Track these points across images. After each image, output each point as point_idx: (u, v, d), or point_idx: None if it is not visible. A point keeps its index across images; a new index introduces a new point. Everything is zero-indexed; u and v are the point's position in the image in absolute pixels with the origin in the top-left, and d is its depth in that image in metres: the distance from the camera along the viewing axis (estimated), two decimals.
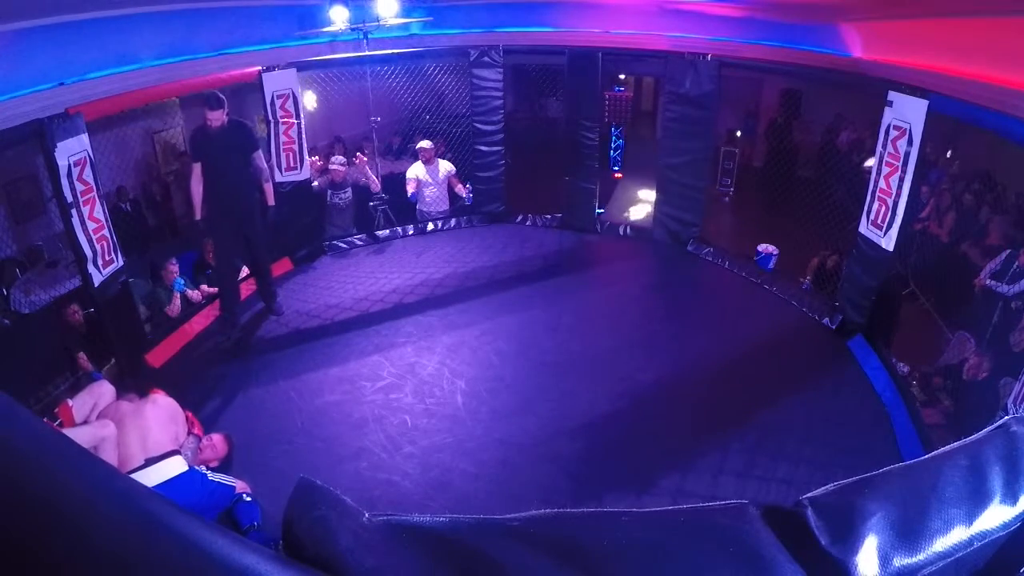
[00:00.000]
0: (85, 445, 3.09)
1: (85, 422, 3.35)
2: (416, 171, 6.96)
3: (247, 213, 5.00)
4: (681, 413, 4.32)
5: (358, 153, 6.97)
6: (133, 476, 3.10)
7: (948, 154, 7.07)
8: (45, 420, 3.17)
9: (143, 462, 3.22)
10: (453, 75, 7.01)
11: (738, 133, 9.25)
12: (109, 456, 3.24)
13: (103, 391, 3.53)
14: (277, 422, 4.19)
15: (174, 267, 5.37)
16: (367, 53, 6.31)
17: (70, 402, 3.39)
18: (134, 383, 3.93)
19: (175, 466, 3.26)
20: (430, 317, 5.47)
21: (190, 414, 3.85)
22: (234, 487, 3.35)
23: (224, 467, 3.75)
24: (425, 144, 6.84)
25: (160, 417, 3.45)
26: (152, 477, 3.15)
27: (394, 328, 5.30)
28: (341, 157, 6.85)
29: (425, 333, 5.22)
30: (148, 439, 3.30)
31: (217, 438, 3.81)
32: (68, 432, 3.15)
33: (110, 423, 3.31)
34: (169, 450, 3.32)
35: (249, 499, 3.32)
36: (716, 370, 4.76)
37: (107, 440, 3.24)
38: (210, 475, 3.36)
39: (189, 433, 3.71)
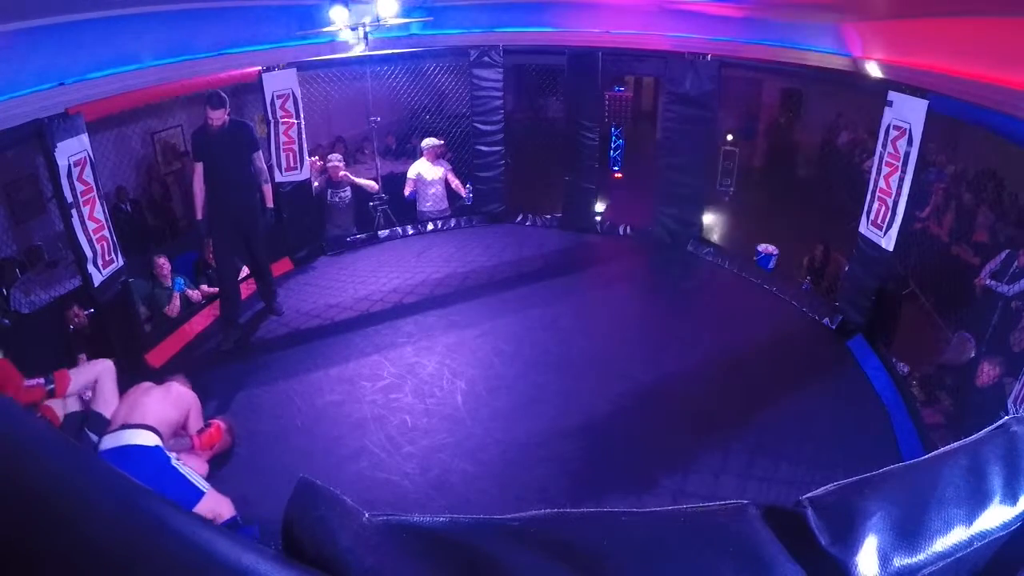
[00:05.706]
0: (86, 382, 3.35)
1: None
2: (415, 170, 6.96)
3: (247, 213, 5.01)
4: (681, 413, 4.32)
5: (342, 166, 6.84)
6: (105, 437, 3.22)
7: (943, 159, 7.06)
8: (39, 414, 3.21)
9: (119, 426, 3.24)
10: (453, 75, 7.00)
11: (729, 136, 9.16)
12: (108, 388, 3.43)
13: (105, 367, 3.55)
14: (277, 422, 4.19)
15: (163, 262, 5.31)
16: (367, 53, 6.31)
17: (70, 372, 3.47)
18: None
19: (142, 438, 3.17)
20: (430, 317, 5.46)
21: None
22: (203, 493, 3.11)
23: (222, 461, 3.76)
24: (432, 141, 6.83)
25: (163, 399, 3.44)
26: (116, 440, 3.16)
27: (394, 328, 5.30)
28: (339, 155, 6.84)
29: (425, 333, 5.22)
30: (136, 409, 3.29)
31: (215, 425, 3.74)
32: (73, 372, 3.40)
33: (106, 360, 3.50)
34: (149, 424, 3.24)
35: (242, 524, 3.14)
36: (716, 370, 4.75)
37: (104, 373, 3.43)
38: (179, 466, 3.17)
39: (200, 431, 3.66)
